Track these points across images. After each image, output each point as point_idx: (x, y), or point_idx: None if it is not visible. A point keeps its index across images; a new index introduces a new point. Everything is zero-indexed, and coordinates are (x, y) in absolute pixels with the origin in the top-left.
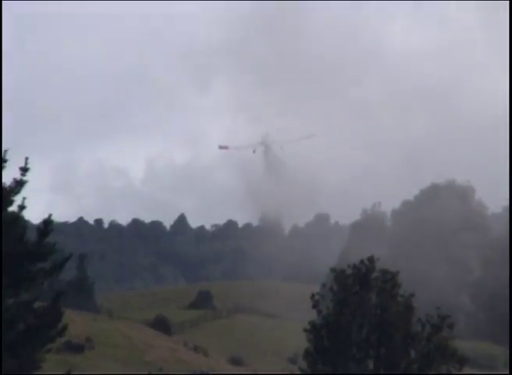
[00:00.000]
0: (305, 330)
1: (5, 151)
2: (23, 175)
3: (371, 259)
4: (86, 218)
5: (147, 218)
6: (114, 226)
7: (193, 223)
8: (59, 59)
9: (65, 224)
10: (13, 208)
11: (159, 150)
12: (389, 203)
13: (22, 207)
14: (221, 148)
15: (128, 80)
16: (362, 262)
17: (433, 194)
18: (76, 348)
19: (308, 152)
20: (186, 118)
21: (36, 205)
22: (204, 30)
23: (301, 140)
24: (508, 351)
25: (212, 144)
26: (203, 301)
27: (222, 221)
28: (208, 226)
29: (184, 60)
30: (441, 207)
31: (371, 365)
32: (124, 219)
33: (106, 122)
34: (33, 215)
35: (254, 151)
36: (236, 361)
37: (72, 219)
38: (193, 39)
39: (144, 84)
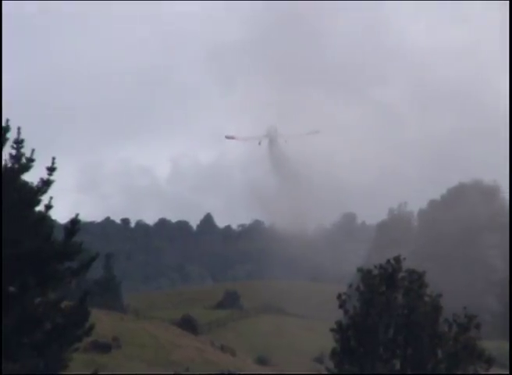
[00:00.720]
0: (332, 330)
1: (33, 150)
2: (49, 175)
3: (397, 259)
4: (112, 217)
5: (173, 218)
6: (141, 225)
7: (220, 222)
8: (85, 59)
9: (91, 224)
10: (40, 207)
11: (184, 149)
12: (416, 203)
13: (49, 207)
14: (228, 138)
15: (153, 80)
16: (389, 262)
17: (460, 194)
18: (103, 348)
19: (327, 150)
20: (210, 117)
21: (63, 205)
22: (224, 29)
23: (306, 135)
24: None
25: (237, 143)
26: (230, 301)
27: (248, 221)
28: (234, 226)
29: (208, 59)
30: (467, 207)
31: (398, 365)
32: (151, 219)
33: (131, 121)
34: (60, 214)
35: (259, 143)
36: (262, 361)
37: (99, 218)
38: (215, 38)
39: (168, 84)
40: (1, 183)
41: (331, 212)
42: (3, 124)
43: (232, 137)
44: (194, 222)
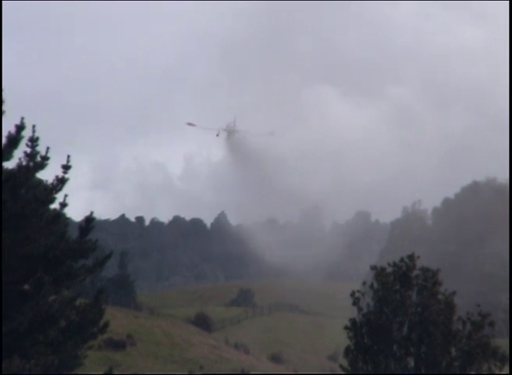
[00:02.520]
0: (346, 328)
1: (47, 148)
2: (64, 173)
3: (411, 257)
4: (127, 215)
5: (187, 215)
6: (155, 223)
7: (234, 220)
8: (98, 58)
9: (106, 222)
10: (55, 205)
11: (197, 146)
12: (430, 201)
13: (64, 205)
14: (189, 124)
15: (166, 77)
16: (402, 260)
17: (474, 192)
18: (118, 345)
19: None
20: (223, 114)
21: (77, 203)
22: (240, 25)
23: (262, 135)
24: None
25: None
26: (244, 298)
27: (262, 218)
28: (248, 224)
29: (221, 57)
30: (481, 205)
31: (411, 362)
32: (165, 217)
33: (145, 119)
34: (75, 212)
35: (217, 135)
36: (276, 358)
37: (114, 216)
38: (229, 36)
39: (181, 81)
40: (1, 182)
41: (344, 210)
42: (18, 123)
43: (192, 124)
44: (208, 220)
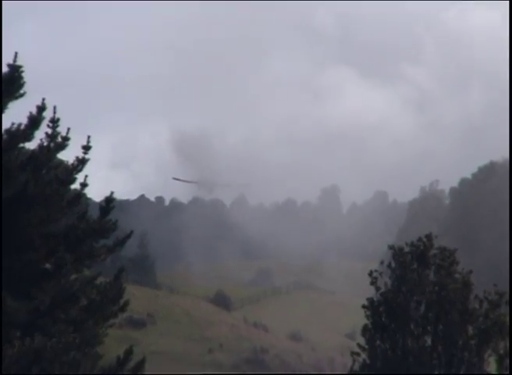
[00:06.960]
0: (363, 307)
1: (68, 129)
2: (85, 153)
3: (429, 237)
4: (147, 195)
5: (207, 195)
6: (175, 203)
7: (253, 200)
8: (116, 38)
9: (126, 202)
10: (76, 186)
11: (216, 124)
12: (447, 181)
13: (84, 185)
14: (174, 179)
15: (185, 56)
16: (420, 239)
17: (491, 173)
18: (138, 324)
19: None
20: (242, 92)
21: (97, 183)
22: (258, 10)
23: (238, 186)
24: None
25: (270, 122)
26: (262, 278)
27: (281, 199)
28: (267, 204)
29: (240, 37)
30: (498, 185)
31: (429, 341)
32: (185, 197)
33: (162, 97)
34: (96, 192)
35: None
36: (295, 337)
37: (134, 196)
38: (247, 20)
39: (201, 61)
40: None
41: (362, 190)
42: (40, 103)
43: (178, 179)
44: (228, 200)
